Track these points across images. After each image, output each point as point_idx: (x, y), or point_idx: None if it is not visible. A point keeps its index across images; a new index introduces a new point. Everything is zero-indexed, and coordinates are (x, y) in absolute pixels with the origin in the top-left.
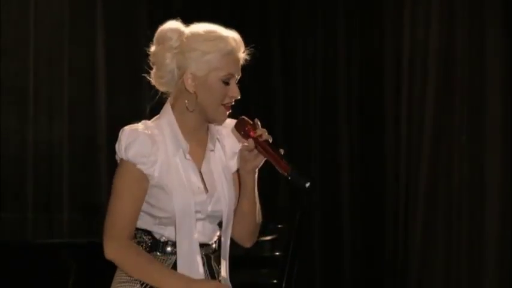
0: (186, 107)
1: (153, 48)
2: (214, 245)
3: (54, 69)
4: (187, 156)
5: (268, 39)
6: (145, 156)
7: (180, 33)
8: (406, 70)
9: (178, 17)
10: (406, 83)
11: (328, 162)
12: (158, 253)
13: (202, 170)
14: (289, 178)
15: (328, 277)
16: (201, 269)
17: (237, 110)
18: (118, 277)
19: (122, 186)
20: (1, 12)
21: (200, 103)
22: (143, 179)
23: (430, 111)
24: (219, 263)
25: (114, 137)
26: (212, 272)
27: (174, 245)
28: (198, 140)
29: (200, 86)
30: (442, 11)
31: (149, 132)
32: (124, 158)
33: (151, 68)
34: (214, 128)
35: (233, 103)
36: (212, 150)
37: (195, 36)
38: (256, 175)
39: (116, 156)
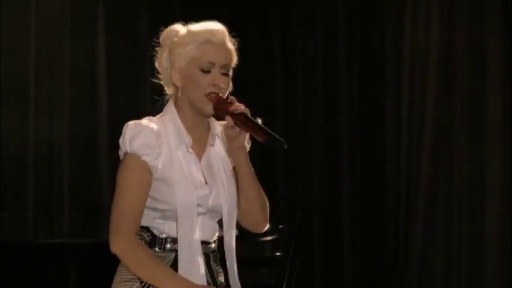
0: (177, 100)
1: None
2: (213, 245)
3: (54, 69)
4: (190, 150)
5: (268, 39)
6: (150, 148)
7: (175, 33)
8: (406, 70)
9: (179, 17)
10: (406, 83)
11: (329, 162)
12: (157, 249)
13: (202, 164)
14: (267, 144)
15: (328, 277)
16: (202, 268)
17: None
18: (119, 277)
19: (127, 179)
20: (2, 12)
21: (188, 96)
22: (148, 172)
23: (430, 111)
24: (218, 263)
25: (115, 137)
26: (212, 272)
27: (173, 241)
28: (199, 136)
29: (184, 78)
30: (443, 11)
31: (153, 126)
32: (129, 150)
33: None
34: (214, 124)
35: (222, 94)
36: (212, 145)
37: (182, 33)
38: (246, 153)
39: (120, 151)
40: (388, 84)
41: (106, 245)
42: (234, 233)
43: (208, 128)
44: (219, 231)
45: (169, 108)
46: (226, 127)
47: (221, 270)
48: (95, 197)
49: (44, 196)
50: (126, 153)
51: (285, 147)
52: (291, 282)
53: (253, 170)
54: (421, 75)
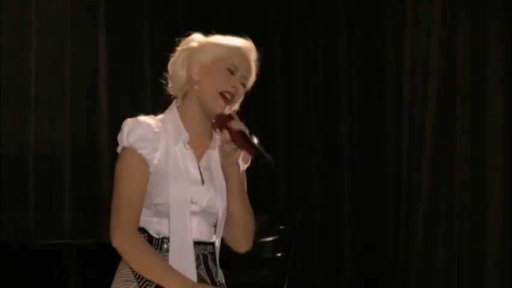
0: (184, 99)
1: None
2: (211, 246)
3: (55, 69)
4: (187, 146)
5: (268, 40)
6: (147, 141)
7: (200, 38)
8: (407, 70)
9: (179, 17)
10: (406, 83)
11: (329, 162)
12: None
13: (201, 165)
14: (256, 161)
15: (328, 277)
16: (193, 266)
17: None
18: (118, 277)
19: (125, 172)
20: (2, 11)
21: (201, 91)
22: (145, 164)
23: (431, 111)
24: (216, 264)
25: (115, 137)
26: (210, 272)
27: None
28: (200, 136)
29: (206, 73)
30: (443, 11)
31: (151, 122)
32: (126, 144)
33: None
34: (216, 131)
35: (235, 100)
36: (214, 149)
37: (212, 38)
38: (241, 171)
39: (118, 148)
40: (389, 84)
41: (106, 245)
42: (220, 237)
43: (210, 132)
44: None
45: (171, 109)
46: (222, 141)
47: (220, 271)
48: (96, 197)
49: (45, 196)
50: (123, 148)
51: (273, 166)
52: (292, 282)
53: (242, 190)
54: (421, 75)
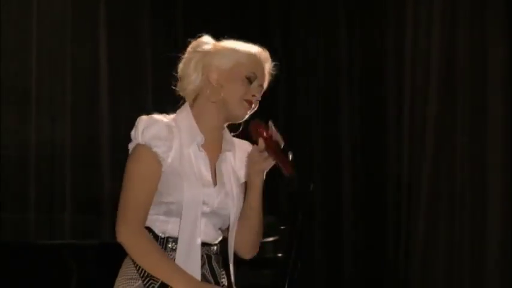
0: (208, 98)
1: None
2: (215, 248)
3: (55, 69)
4: (201, 148)
5: (268, 40)
6: (162, 140)
7: (212, 41)
8: (407, 70)
9: (180, 17)
10: (407, 83)
11: (330, 162)
12: None
13: (213, 167)
14: (292, 180)
15: (329, 277)
16: (199, 265)
17: None
18: (122, 275)
19: (137, 169)
20: (2, 11)
21: (223, 96)
22: (158, 163)
23: (431, 111)
24: (220, 265)
25: (116, 137)
26: (214, 273)
27: (175, 241)
28: (212, 141)
29: (225, 79)
30: (444, 11)
31: (166, 120)
32: (140, 141)
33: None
34: (228, 135)
35: (254, 107)
36: (229, 151)
37: (225, 43)
38: (263, 180)
39: (130, 144)
40: (389, 84)
41: (107, 245)
42: (233, 238)
43: (222, 135)
44: (222, 235)
45: (185, 109)
46: (254, 149)
47: (223, 272)
48: (96, 197)
49: (46, 196)
50: (137, 145)
51: (311, 187)
52: (292, 282)
53: (262, 200)
54: (422, 75)
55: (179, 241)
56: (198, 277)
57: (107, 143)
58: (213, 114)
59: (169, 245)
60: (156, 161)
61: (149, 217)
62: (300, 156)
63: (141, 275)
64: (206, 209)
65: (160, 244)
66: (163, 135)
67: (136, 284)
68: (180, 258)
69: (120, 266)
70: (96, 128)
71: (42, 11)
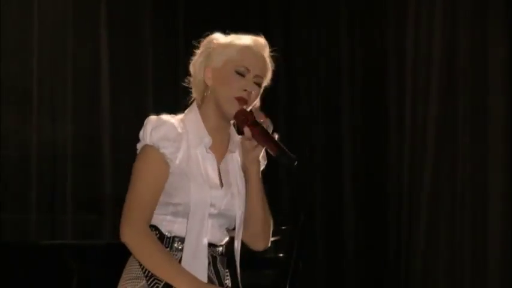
0: (202, 103)
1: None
2: (221, 249)
3: (56, 69)
4: (208, 150)
5: (268, 40)
6: (170, 141)
7: (217, 38)
8: (409, 70)
9: (181, 17)
10: (409, 83)
11: (330, 162)
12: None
13: (220, 168)
14: (278, 159)
15: (330, 277)
16: (205, 267)
17: None
18: (126, 274)
19: (144, 170)
20: (3, 11)
21: (215, 95)
22: (165, 164)
23: (433, 112)
24: (225, 266)
25: (117, 137)
26: (218, 274)
27: (181, 241)
28: (219, 140)
29: (217, 78)
30: (445, 11)
31: (174, 121)
32: (149, 142)
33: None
34: (235, 133)
35: (250, 102)
36: (233, 152)
37: (224, 38)
38: (260, 168)
39: (138, 144)
40: (391, 85)
41: (108, 246)
42: (240, 240)
43: (229, 135)
44: (228, 236)
45: (192, 109)
46: (243, 138)
47: (228, 273)
48: (98, 197)
49: (46, 197)
50: (145, 145)
51: (296, 163)
52: (294, 283)
53: (262, 187)
54: (423, 75)
55: (186, 242)
56: (204, 278)
57: (108, 143)
58: (213, 114)
59: (175, 245)
60: (164, 162)
61: (156, 217)
62: (301, 157)
63: (146, 274)
64: (213, 210)
65: (166, 243)
66: (171, 136)
67: (141, 284)
68: (186, 259)
69: (121, 266)
70: (97, 128)
71: (43, 10)
